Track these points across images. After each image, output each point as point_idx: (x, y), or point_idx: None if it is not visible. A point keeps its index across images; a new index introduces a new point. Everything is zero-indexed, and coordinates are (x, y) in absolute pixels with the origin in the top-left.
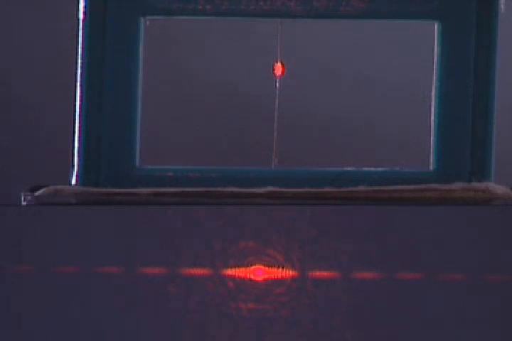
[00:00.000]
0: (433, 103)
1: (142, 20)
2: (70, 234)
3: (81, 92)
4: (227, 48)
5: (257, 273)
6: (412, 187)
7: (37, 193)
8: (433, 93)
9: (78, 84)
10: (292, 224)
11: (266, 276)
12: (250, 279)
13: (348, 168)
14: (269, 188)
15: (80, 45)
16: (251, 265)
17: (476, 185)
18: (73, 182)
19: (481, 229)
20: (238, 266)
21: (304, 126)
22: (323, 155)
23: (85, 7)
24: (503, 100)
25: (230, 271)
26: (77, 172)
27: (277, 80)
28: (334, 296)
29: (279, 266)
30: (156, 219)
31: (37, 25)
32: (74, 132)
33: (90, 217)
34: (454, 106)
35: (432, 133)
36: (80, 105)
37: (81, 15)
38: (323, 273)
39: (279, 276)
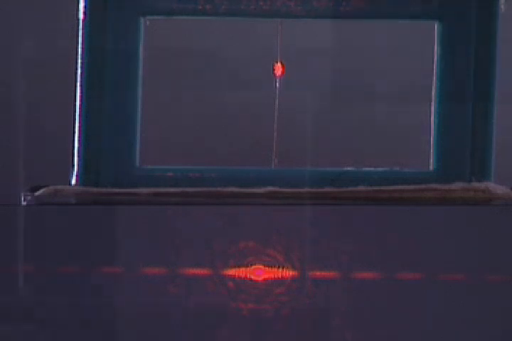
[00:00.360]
0: (433, 103)
1: (142, 20)
2: (70, 233)
3: (81, 92)
4: (227, 48)
5: (257, 273)
6: (412, 187)
7: (37, 193)
8: (433, 93)
9: (78, 84)
10: (292, 224)
11: (266, 276)
12: (250, 279)
13: (348, 168)
14: (269, 188)
15: (79, 45)
16: (251, 265)
17: (476, 185)
18: (73, 182)
19: (481, 229)
20: (238, 266)
21: (304, 125)
22: (323, 155)
23: (85, 7)
24: (503, 100)
25: (230, 271)
26: (77, 172)
27: (277, 80)
28: (334, 296)
29: (279, 266)
30: (156, 219)
31: (37, 25)
32: (74, 132)
33: (90, 217)
34: (454, 106)
35: (432, 133)
36: (80, 105)
37: (81, 15)
38: (323, 273)
39: (279, 276)
